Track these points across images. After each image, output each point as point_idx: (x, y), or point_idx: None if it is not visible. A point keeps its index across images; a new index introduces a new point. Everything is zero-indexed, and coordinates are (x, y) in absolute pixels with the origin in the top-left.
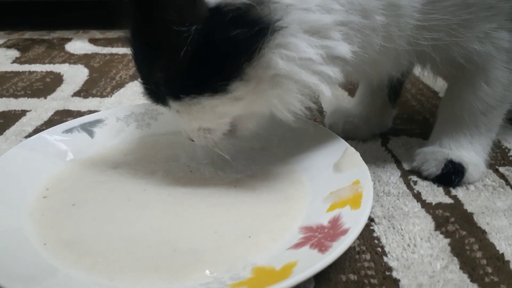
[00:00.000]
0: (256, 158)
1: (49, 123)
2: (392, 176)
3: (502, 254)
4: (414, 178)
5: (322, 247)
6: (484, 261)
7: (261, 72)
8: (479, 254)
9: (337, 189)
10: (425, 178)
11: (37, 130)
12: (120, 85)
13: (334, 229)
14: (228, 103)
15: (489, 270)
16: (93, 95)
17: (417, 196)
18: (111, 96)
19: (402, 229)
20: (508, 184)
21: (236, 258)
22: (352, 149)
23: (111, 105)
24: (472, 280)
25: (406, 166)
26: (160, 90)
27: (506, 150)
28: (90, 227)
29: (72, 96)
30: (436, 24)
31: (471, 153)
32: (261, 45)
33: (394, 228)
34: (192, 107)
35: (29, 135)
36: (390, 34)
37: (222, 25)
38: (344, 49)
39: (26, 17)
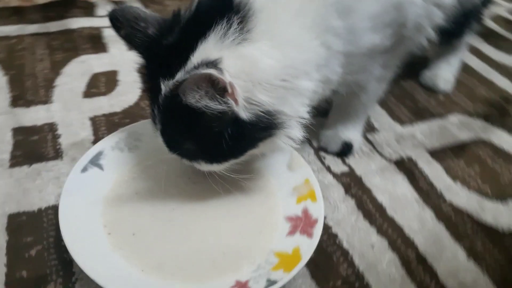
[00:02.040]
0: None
1: (18, 146)
2: (310, 155)
3: (381, 203)
4: (323, 154)
5: (308, 233)
6: (374, 211)
7: (268, 143)
8: (370, 206)
9: (296, 186)
10: (329, 153)
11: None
12: (50, 84)
13: (308, 219)
14: (238, 161)
15: (378, 216)
16: (35, 103)
17: (328, 169)
18: (52, 102)
19: (328, 198)
20: (374, 148)
21: (262, 249)
22: (296, 152)
23: (62, 113)
24: (371, 226)
25: (314, 144)
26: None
27: (369, 118)
28: (161, 249)
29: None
30: (346, 79)
31: (355, 133)
32: (273, 134)
33: (324, 198)
34: (193, 162)
35: None
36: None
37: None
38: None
39: None
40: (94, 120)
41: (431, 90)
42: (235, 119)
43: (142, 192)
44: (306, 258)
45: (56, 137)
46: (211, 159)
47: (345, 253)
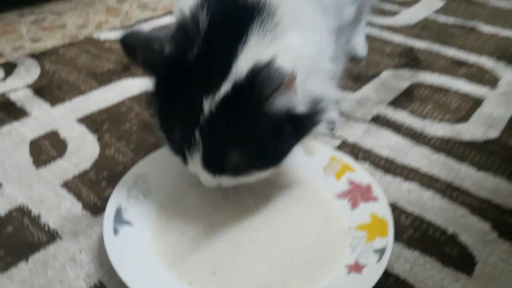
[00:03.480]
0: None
1: None
2: None
3: (388, 156)
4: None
5: (371, 198)
6: (388, 165)
7: (313, 132)
8: (383, 162)
9: (325, 166)
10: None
11: None
12: None
13: (360, 188)
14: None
15: (394, 167)
16: None
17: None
18: (1, 186)
19: None
20: (348, 116)
21: (341, 232)
22: None
23: (23, 192)
24: (396, 177)
25: None
26: (229, 164)
27: None
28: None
29: None
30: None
31: (332, 111)
32: (321, 121)
33: None
34: (240, 176)
35: None
36: None
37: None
38: None
39: None
40: (68, 186)
41: (353, 59)
42: (291, 113)
43: (187, 230)
44: (391, 217)
45: (35, 219)
46: (266, 164)
47: (396, 206)
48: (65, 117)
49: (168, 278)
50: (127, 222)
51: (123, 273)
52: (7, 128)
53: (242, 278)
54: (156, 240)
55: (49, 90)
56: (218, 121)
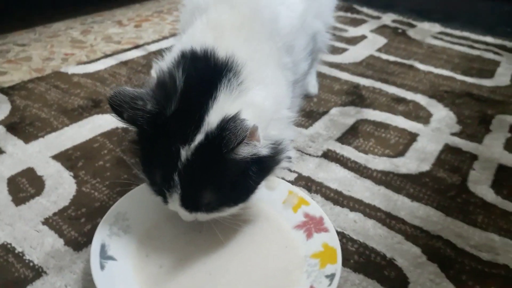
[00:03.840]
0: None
1: None
2: None
3: (336, 189)
4: None
5: (323, 230)
6: (336, 196)
7: (277, 169)
8: (332, 194)
9: (284, 199)
10: None
11: None
12: None
13: (313, 219)
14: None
15: (341, 199)
16: None
17: (285, 180)
18: None
19: None
20: (301, 152)
21: (298, 261)
22: None
23: (5, 230)
24: (344, 208)
25: None
26: (204, 203)
27: None
28: None
29: None
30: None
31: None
32: (282, 159)
33: None
34: (214, 212)
35: None
36: None
37: (269, 157)
38: None
39: None
40: (49, 223)
41: (305, 96)
42: (256, 157)
43: (164, 263)
44: (339, 246)
45: (19, 255)
46: (236, 201)
47: (344, 234)
48: (40, 154)
49: None
50: (111, 258)
51: None
52: None
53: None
54: (138, 272)
55: (21, 126)
56: (194, 167)
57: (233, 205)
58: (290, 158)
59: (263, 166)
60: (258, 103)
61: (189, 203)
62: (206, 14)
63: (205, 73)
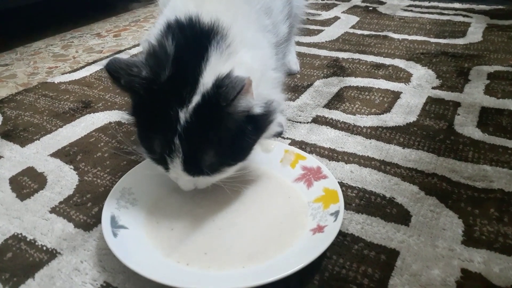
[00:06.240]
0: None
1: None
2: None
3: (330, 147)
4: None
5: (322, 177)
6: (331, 154)
7: (269, 130)
8: (326, 152)
9: (281, 158)
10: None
11: None
12: None
13: (312, 170)
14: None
15: (336, 155)
16: None
17: None
18: None
19: None
20: (292, 121)
21: (302, 206)
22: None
23: (14, 223)
24: (339, 162)
25: None
26: (205, 165)
27: None
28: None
29: None
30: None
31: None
32: (273, 120)
33: None
34: (215, 174)
35: None
36: None
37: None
38: None
39: None
40: (56, 211)
41: (289, 74)
42: (250, 115)
43: (175, 225)
44: (339, 187)
45: (32, 242)
46: (235, 160)
47: (343, 183)
48: (37, 155)
49: (169, 263)
50: (123, 226)
51: (132, 264)
52: None
53: (230, 253)
54: (151, 237)
55: (15, 133)
56: (193, 128)
57: (233, 164)
58: (281, 125)
59: (258, 125)
60: (247, 62)
61: (191, 167)
62: None
63: (193, 39)
